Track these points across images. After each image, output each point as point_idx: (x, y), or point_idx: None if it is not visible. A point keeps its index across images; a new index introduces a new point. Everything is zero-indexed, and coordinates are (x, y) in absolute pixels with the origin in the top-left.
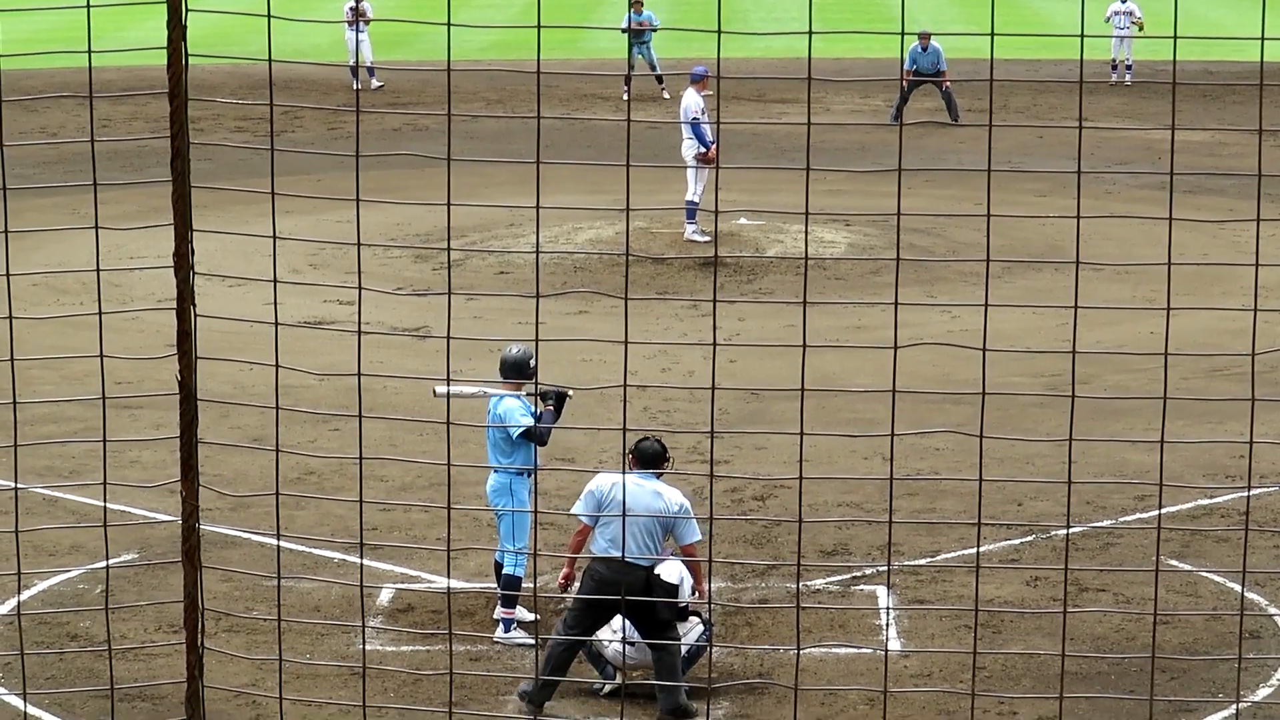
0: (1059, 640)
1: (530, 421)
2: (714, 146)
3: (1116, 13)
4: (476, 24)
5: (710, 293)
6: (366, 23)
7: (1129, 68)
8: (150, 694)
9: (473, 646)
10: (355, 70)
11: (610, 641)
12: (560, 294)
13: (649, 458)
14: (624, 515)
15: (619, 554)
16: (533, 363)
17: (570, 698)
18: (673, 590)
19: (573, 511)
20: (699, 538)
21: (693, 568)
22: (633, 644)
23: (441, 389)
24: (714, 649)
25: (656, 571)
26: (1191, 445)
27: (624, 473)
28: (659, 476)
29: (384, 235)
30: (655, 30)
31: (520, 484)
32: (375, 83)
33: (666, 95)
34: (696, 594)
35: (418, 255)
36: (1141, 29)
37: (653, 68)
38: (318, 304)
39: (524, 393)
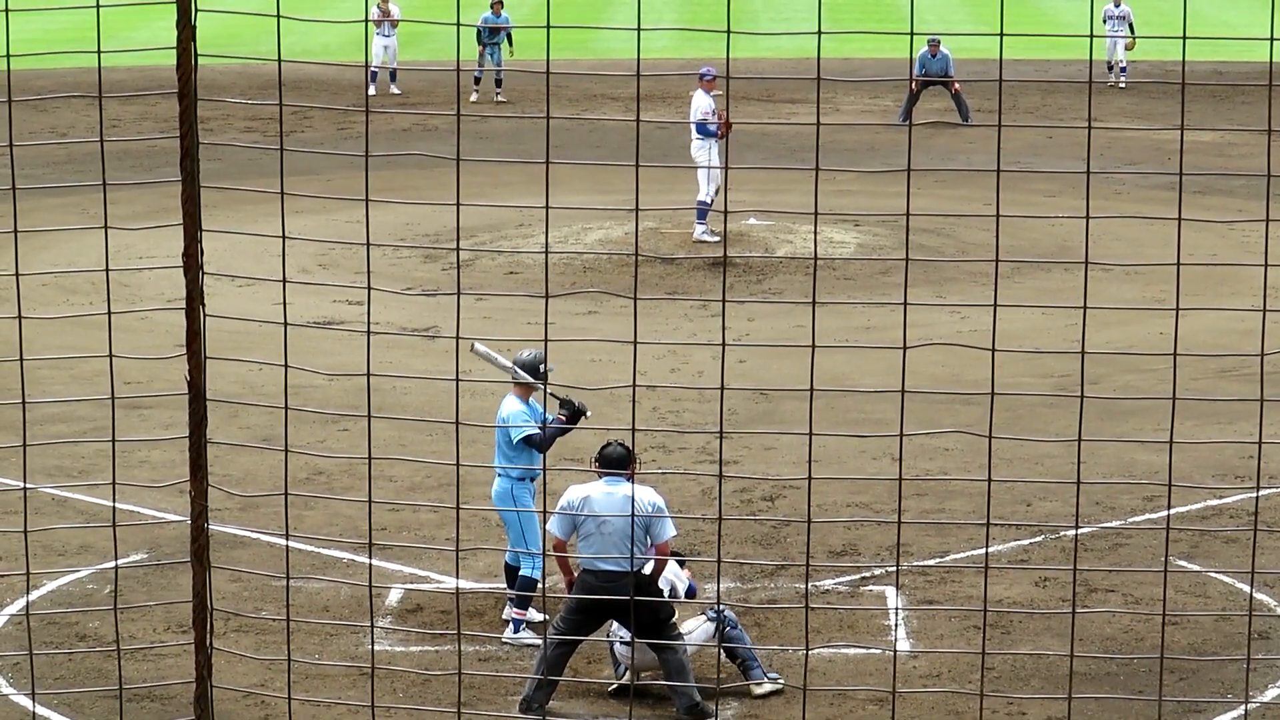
0: (1068, 641)
1: (533, 428)
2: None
3: (1110, 16)
4: (486, 22)
5: (719, 293)
6: (394, 24)
7: (1123, 69)
8: (159, 694)
9: (481, 647)
10: (375, 74)
11: (619, 641)
12: (570, 294)
13: (614, 461)
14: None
15: (602, 565)
16: (543, 367)
17: (578, 697)
18: (660, 594)
19: (549, 528)
20: (673, 534)
21: (659, 564)
22: (632, 643)
23: (481, 347)
24: (722, 649)
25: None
26: (1200, 446)
27: (638, 476)
28: (629, 479)
29: (393, 235)
30: (510, 30)
31: (522, 489)
32: (394, 89)
33: (502, 99)
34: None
35: (427, 255)
36: (1131, 48)
37: (497, 68)
38: (327, 304)
39: (533, 397)
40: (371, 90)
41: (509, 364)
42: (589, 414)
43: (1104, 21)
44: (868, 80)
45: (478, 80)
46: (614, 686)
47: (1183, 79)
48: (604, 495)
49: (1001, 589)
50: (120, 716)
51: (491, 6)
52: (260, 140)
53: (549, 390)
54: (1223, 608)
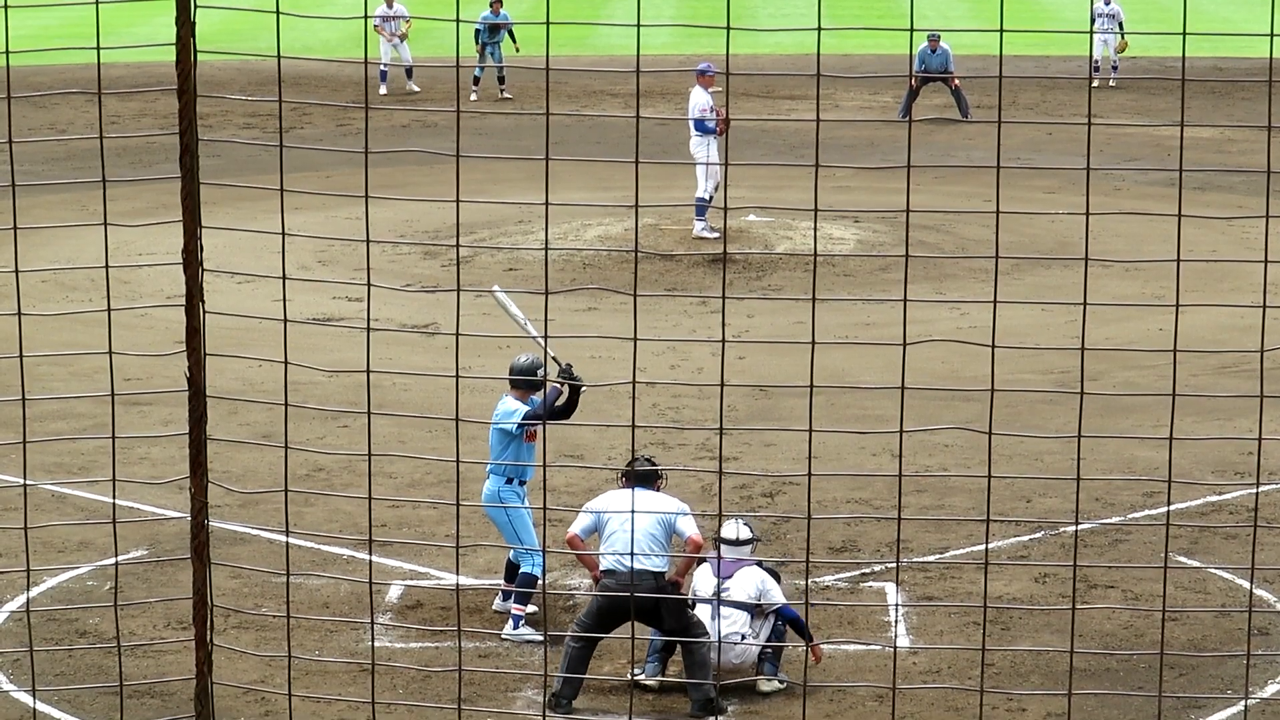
0: (1068, 637)
1: (525, 415)
2: (722, 124)
3: (1100, 14)
4: (486, 20)
5: (719, 289)
6: (404, 37)
7: (1114, 67)
8: (159, 690)
9: (481, 643)
10: (385, 72)
11: (736, 639)
12: (569, 290)
13: (643, 476)
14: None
15: (626, 566)
16: (540, 372)
17: (579, 694)
18: (677, 592)
19: (570, 530)
20: (697, 532)
21: (687, 561)
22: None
23: (501, 294)
24: (721, 645)
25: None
26: (1200, 442)
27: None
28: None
29: (393, 232)
30: (511, 27)
31: (509, 491)
32: (412, 85)
33: (509, 96)
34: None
35: (426, 252)
36: (1122, 49)
37: (499, 65)
38: (327, 300)
39: (533, 396)
40: (382, 90)
41: (523, 317)
42: (565, 389)
43: (1093, 20)
44: (867, 76)
45: (477, 80)
46: (632, 678)
47: (1182, 75)
48: (630, 502)
49: (1001, 585)
50: (120, 713)
51: (490, 5)
52: (260, 137)
53: (552, 355)
54: (1222, 604)
